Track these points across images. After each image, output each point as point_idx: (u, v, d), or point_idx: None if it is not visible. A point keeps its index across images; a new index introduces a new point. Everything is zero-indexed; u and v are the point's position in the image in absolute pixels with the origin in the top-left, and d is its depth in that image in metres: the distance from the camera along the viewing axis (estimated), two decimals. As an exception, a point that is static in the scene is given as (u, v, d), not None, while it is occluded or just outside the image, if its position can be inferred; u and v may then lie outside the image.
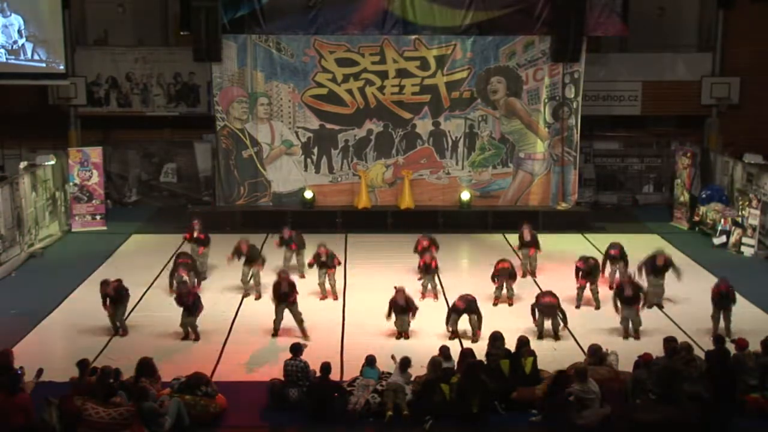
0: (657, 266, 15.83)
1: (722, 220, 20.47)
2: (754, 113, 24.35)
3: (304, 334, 14.22)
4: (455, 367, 12.07)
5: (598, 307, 15.74)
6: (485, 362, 12.21)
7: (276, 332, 14.36)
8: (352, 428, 11.34)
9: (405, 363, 12.05)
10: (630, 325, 14.40)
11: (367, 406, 11.52)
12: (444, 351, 12.37)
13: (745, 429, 11.35)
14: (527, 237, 17.60)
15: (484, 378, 11.54)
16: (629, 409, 11.30)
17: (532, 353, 12.30)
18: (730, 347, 12.38)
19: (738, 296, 16.52)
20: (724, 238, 20.24)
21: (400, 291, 14.33)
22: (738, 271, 18.21)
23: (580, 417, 11.05)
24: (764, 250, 19.47)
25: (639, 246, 20.40)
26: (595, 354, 12.21)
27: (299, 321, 14.34)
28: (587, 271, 15.81)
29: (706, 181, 22.93)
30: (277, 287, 14.43)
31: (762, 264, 19.06)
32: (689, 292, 16.22)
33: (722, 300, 14.46)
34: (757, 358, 12.15)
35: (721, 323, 14.40)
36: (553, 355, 13.44)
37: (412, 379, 12.07)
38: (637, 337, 14.32)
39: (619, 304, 14.46)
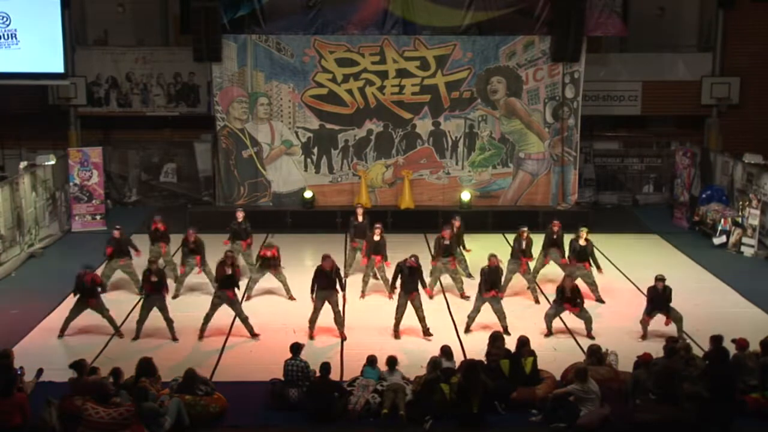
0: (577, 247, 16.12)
1: (722, 220, 20.46)
2: (754, 113, 24.36)
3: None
4: (455, 367, 12.08)
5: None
6: (485, 362, 12.22)
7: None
8: (352, 428, 11.34)
9: (392, 362, 12.11)
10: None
11: (367, 406, 11.52)
12: (444, 351, 12.38)
13: (745, 429, 11.35)
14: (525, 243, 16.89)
15: (484, 378, 11.55)
16: (629, 409, 11.31)
17: (532, 353, 12.31)
18: (730, 347, 12.37)
19: (738, 296, 16.60)
20: (724, 238, 20.23)
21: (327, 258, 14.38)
22: (738, 271, 18.26)
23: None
24: (764, 250, 19.47)
25: (639, 246, 20.49)
26: (595, 354, 12.22)
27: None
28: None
29: (706, 181, 22.94)
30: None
31: (762, 264, 19.06)
32: (689, 292, 16.19)
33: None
34: (757, 358, 12.16)
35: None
36: (553, 355, 13.44)
37: (412, 379, 12.09)
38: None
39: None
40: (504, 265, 15.41)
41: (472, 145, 22.51)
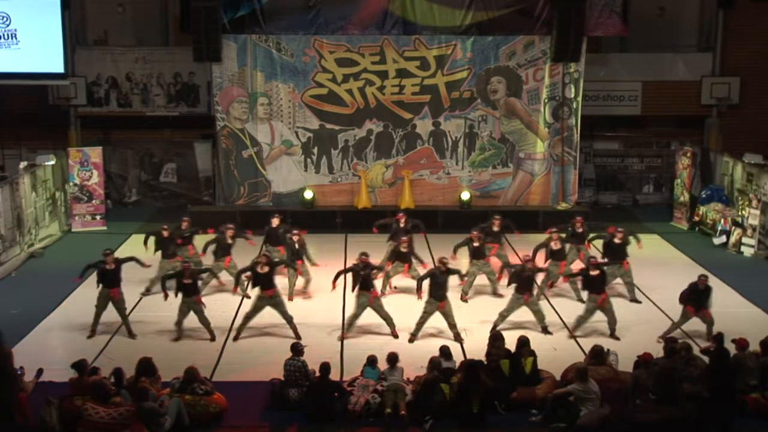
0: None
1: (722, 220, 20.48)
2: (754, 113, 24.37)
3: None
4: (455, 367, 12.09)
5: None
6: (485, 362, 12.22)
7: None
8: (352, 428, 11.34)
9: (392, 359, 12.08)
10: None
11: (367, 406, 11.51)
12: (444, 351, 12.38)
13: (745, 429, 11.35)
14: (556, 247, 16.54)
15: (484, 378, 11.55)
16: (629, 409, 11.31)
17: (532, 353, 12.30)
18: (730, 347, 12.37)
19: (738, 296, 16.57)
20: (724, 238, 20.25)
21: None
22: (738, 271, 18.26)
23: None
24: (764, 250, 19.47)
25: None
26: (597, 356, 12.19)
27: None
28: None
29: (706, 181, 22.95)
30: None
31: (762, 264, 19.06)
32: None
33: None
34: (757, 358, 12.15)
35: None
36: (553, 355, 13.44)
37: (412, 379, 12.09)
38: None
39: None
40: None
41: (472, 145, 22.52)
